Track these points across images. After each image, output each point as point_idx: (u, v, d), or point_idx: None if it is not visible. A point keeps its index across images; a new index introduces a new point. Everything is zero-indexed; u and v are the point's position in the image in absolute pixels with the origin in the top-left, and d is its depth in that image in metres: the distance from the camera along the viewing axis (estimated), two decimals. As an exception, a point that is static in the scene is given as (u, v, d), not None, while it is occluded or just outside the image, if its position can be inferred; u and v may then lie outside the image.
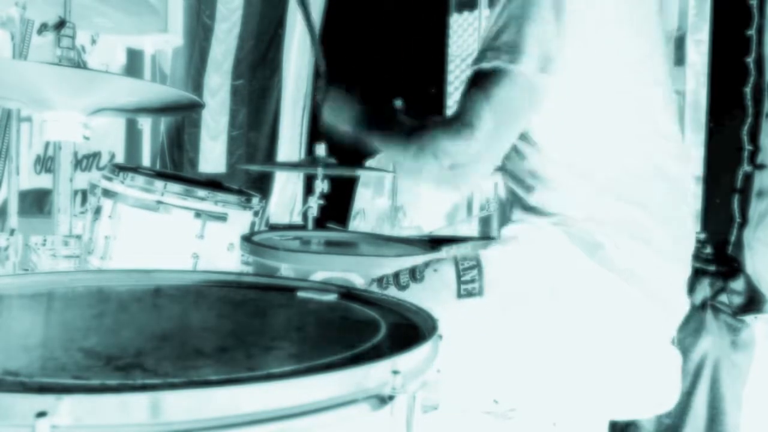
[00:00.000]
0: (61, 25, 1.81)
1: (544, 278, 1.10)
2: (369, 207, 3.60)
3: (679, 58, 2.36)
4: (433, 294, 1.13)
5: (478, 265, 1.14)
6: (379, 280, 1.22)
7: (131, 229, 1.89)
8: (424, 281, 1.17)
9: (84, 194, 3.54)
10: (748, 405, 1.69)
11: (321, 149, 2.61)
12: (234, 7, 4.21)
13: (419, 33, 3.61)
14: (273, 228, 3.29)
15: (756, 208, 2.06)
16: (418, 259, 1.27)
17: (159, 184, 1.89)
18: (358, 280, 1.58)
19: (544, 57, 1.07)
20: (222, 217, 1.94)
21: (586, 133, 1.12)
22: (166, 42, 4.29)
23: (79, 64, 3.74)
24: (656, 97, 1.16)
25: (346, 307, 0.98)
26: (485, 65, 1.10)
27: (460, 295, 1.12)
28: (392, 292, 1.15)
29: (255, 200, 2.05)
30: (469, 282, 1.13)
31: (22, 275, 1.14)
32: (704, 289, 1.84)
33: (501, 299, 1.11)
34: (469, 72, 1.15)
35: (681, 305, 1.17)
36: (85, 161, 4.17)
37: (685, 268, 1.17)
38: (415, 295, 1.11)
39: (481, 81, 1.10)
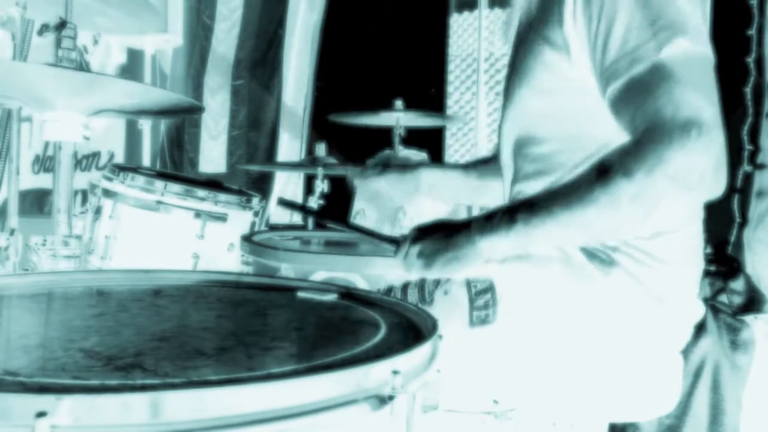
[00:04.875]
0: (61, 25, 1.81)
1: (559, 300, 1.07)
2: (369, 207, 3.60)
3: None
4: (444, 321, 1.08)
5: (491, 288, 1.08)
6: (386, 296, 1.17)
7: (131, 229, 1.89)
8: (434, 305, 1.10)
9: (84, 194, 3.54)
10: (748, 405, 1.68)
11: (321, 149, 2.62)
12: (234, 7, 4.21)
13: (419, 33, 3.61)
14: (273, 228, 3.29)
15: (756, 208, 2.06)
16: None
17: (159, 184, 1.89)
18: (358, 281, 1.58)
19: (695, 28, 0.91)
20: (222, 218, 1.94)
21: (594, 139, 1.09)
22: (166, 42, 4.29)
23: (81, 65, 3.74)
24: None
25: (346, 307, 0.98)
26: (641, 65, 0.90)
27: (472, 323, 1.07)
28: None
29: (255, 200, 2.05)
30: (482, 308, 1.07)
31: (22, 275, 1.14)
32: (704, 289, 1.84)
33: (514, 324, 1.08)
34: (612, 90, 0.94)
35: (695, 312, 1.15)
36: (84, 161, 4.17)
37: (698, 273, 1.16)
38: None
39: (653, 78, 0.89)
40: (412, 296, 1.13)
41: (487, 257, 1.01)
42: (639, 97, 0.90)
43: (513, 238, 0.97)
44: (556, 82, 1.08)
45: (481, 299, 1.08)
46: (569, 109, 1.10)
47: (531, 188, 1.14)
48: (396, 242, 1.11)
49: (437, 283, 1.13)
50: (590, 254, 1.08)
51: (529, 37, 1.15)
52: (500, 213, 0.99)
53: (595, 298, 1.07)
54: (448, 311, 1.08)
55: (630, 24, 0.93)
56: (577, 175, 0.93)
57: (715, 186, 0.86)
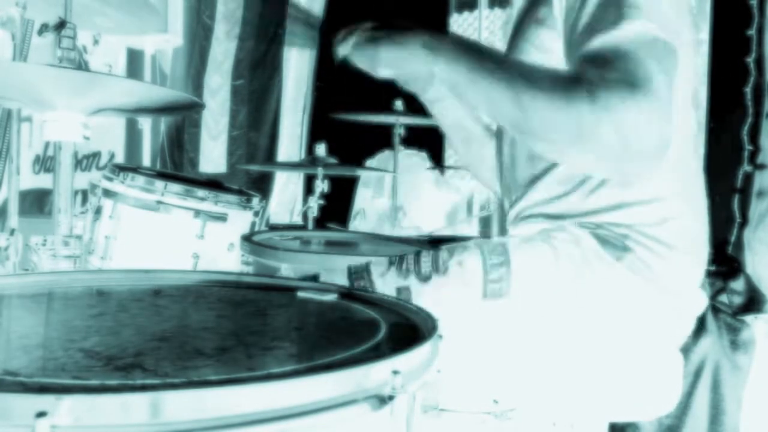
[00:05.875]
0: (61, 25, 1.81)
1: (571, 283, 1.08)
2: (369, 207, 3.60)
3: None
4: (456, 291, 1.08)
5: (506, 262, 1.08)
6: (399, 264, 1.14)
7: (131, 229, 1.90)
8: (448, 274, 1.09)
9: (84, 194, 3.54)
10: (748, 405, 1.69)
11: (321, 149, 2.62)
12: (234, 7, 4.21)
13: (419, 33, 3.61)
14: (273, 228, 3.30)
15: (756, 208, 2.06)
16: None
17: (159, 184, 1.89)
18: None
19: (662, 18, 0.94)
20: (222, 217, 1.94)
21: None
22: (166, 42, 4.29)
23: (81, 65, 3.74)
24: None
25: (346, 307, 0.98)
26: (599, 40, 0.92)
27: (485, 295, 1.07)
28: (412, 281, 1.10)
29: (255, 200, 2.05)
30: (496, 281, 1.07)
31: (22, 275, 1.14)
32: (704, 289, 1.84)
33: (524, 302, 1.08)
34: (573, 63, 0.96)
35: (699, 303, 1.16)
36: (85, 161, 4.17)
37: (703, 263, 1.17)
38: (437, 290, 1.07)
39: (611, 52, 0.90)
40: (426, 265, 1.11)
41: (428, 64, 1.01)
42: (596, 68, 0.91)
43: (455, 72, 0.98)
44: (548, 63, 1.09)
45: (496, 272, 1.07)
46: None
47: (526, 173, 1.17)
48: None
49: (452, 252, 1.12)
50: (604, 241, 1.09)
51: (523, 22, 1.17)
52: (455, 42, 1.02)
53: (605, 285, 1.07)
54: (462, 282, 1.08)
55: (598, 2, 0.96)
56: (543, 67, 0.95)
57: (642, 161, 0.89)
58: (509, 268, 1.07)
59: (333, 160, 2.65)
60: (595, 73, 0.90)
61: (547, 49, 1.09)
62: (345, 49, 1.13)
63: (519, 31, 1.19)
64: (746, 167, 2.08)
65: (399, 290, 1.09)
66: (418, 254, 1.14)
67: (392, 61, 1.07)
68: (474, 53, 0.99)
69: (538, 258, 1.09)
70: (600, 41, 0.92)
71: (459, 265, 1.10)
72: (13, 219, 2.07)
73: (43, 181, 4.08)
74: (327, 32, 3.96)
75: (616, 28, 0.91)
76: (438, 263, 1.11)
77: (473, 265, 1.09)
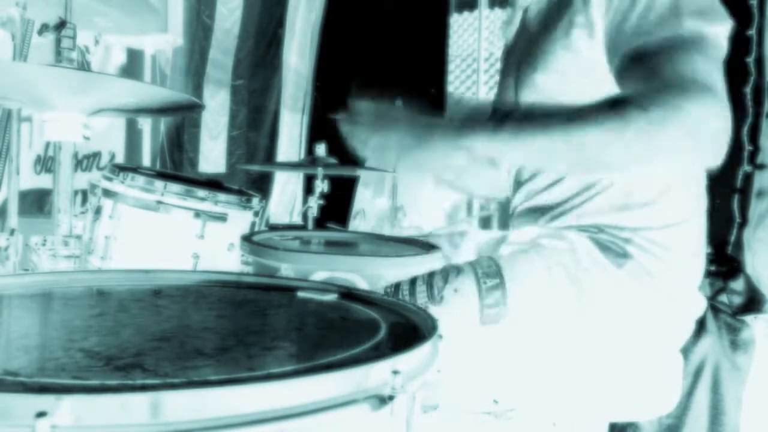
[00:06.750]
0: (61, 25, 1.81)
1: (567, 291, 1.08)
2: (369, 207, 3.60)
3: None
4: (454, 320, 1.08)
5: (501, 285, 1.08)
6: (394, 296, 1.16)
7: (131, 229, 1.89)
8: (444, 303, 1.10)
9: (84, 194, 3.54)
10: (748, 405, 1.69)
11: (321, 149, 2.62)
12: (234, 7, 4.22)
13: (419, 33, 3.61)
14: (273, 228, 3.30)
15: (756, 208, 2.06)
16: (419, 260, 1.25)
17: (159, 184, 1.89)
18: (358, 281, 1.57)
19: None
20: (222, 217, 1.94)
21: None
22: (166, 42, 4.29)
23: (83, 66, 3.75)
24: None
25: (346, 307, 0.98)
26: (661, 34, 0.92)
27: (483, 322, 1.07)
28: None
29: (255, 200, 2.05)
30: (492, 306, 1.07)
31: (22, 275, 1.14)
32: (704, 289, 1.84)
33: (523, 313, 1.08)
34: (625, 56, 0.95)
35: (699, 306, 1.16)
36: (85, 161, 4.17)
37: (702, 265, 1.17)
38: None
39: (674, 45, 0.90)
40: (421, 294, 1.13)
41: (465, 151, 0.97)
42: (656, 60, 0.90)
43: (498, 145, 0.94)
44: (574, 63, 1.09)
45: (491, 297, 1.07)
46: (582, 94, 1.11)
47: (545, 178, 1.17)
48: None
49: (446, 280, 1.12)
50: (604, 247, 1.09)
51: (547, 23, 1.15)
52: (481, 117, 0.99)
53: (606, 292, 1.07)
54: (458, 309, 1.09)
55: (648, 4, 0.95)
56: (584, 104, 0.91)
57: (717, 153, 0.86)
58: (504, 290, 1.08)
59: (333, 160, 2.64)
60: (644, 84, 0.89)
61: (577, 50, 1.08)
62: (365, 151, 1.07)
63: (543, 31, 1.17)
64: (746, 167, 2.08)
65: None
66: (413, 284, 1.14)
67: (427, 161, 1.02)
68: (510, 122, 0.95)
69: (532, 272, 1.10)
70: (648, 44, 0.92)
71: (454, 293, 1.10)
72: (13, 219, 2.07)
73: (43, 181, 4.08)
74: (328, 32, 3.96)
75: (675, 28, 0.91)
76: (433, 293, 1.12)
77: (468, 290, 1.09)
